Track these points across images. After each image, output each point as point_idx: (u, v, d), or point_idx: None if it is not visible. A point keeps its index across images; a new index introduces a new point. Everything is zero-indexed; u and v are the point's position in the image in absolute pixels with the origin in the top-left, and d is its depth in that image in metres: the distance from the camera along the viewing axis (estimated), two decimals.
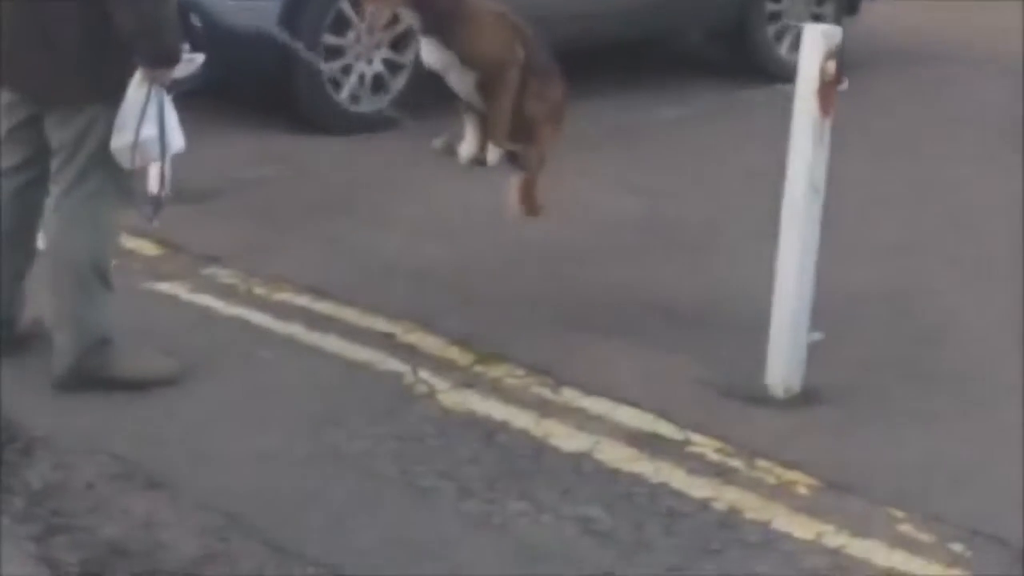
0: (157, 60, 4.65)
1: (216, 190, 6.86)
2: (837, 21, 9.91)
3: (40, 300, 4.97)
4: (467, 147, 5.47)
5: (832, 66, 4.84)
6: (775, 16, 9.77)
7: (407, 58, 8.04)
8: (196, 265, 6.03)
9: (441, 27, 5.24)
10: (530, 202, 5.60)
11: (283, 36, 6.98)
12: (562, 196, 6.63)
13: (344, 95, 8.09)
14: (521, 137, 5.42)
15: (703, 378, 5.13)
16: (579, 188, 6.80)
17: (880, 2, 10.41)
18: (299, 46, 6.79)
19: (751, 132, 8.39)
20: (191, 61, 4.93)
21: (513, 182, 5.58)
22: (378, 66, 8.15)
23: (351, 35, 8.05)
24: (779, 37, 9.80)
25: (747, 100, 9.12)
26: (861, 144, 7.04)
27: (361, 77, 8.11)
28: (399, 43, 8.09)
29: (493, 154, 5.41)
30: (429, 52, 5.32)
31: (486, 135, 5.39)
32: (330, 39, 7.96)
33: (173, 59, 4.71)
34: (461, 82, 5.34)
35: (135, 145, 4.69)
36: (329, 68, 7.93)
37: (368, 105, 8.13)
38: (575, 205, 6.64)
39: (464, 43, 5.24)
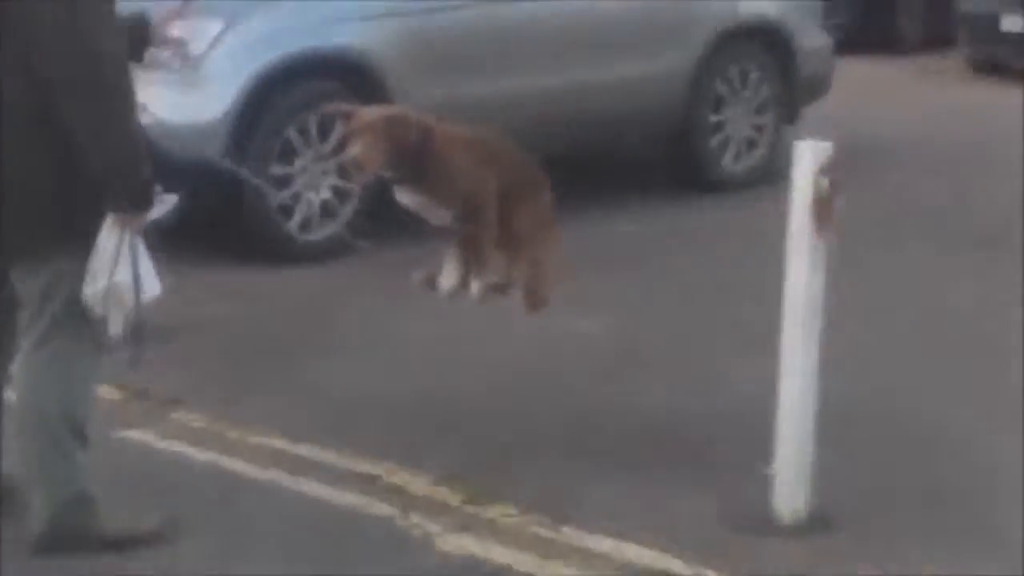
0: (131, 203, 4.43)
1: (173, 329, 6.59)
2: (777, 130, 9.94)
3: (11, 457, 4.72)
4: (447, 279, 5.28)
5: (825, 183, 4.73)
6: (718, 126, 9.72)
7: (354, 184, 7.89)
8: (162, 410, 5.81)
9: (412, 175, 5.11)
10: (534, 298, 5.44)
11: (230, 166, 6.84)
12: (531, 320, 6.47)
13: (294, 223, 7.92)
14: (510, 248, 5.28)
15: (704, 507, 4.95)
16: (547, 310, 6.62)
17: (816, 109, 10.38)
18: (245, 173, 6.65)
19: (708, 245, 8.32)
20: (164, 202, 4.73)
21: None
22: (326, 193, 8.00)
23: (299, 163, 7.89)
24: (723, 147, 9.75)
25: (700, 211, 9.05)
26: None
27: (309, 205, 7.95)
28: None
29: (476, 286, 5.25)
30: (402, 196, 5.20)
31: (469, 266, 5.22)
32: (278, 169, 7.80)
33: (148, 201, 4.49)
34: (439, 219, 5.21)
35: (108, 292, 4.47)
36: (279, 195, 7.78)
37: (318, 233, 7.98)
38: (546, 328, 6.47)
39: (436, 186, 5.11)
